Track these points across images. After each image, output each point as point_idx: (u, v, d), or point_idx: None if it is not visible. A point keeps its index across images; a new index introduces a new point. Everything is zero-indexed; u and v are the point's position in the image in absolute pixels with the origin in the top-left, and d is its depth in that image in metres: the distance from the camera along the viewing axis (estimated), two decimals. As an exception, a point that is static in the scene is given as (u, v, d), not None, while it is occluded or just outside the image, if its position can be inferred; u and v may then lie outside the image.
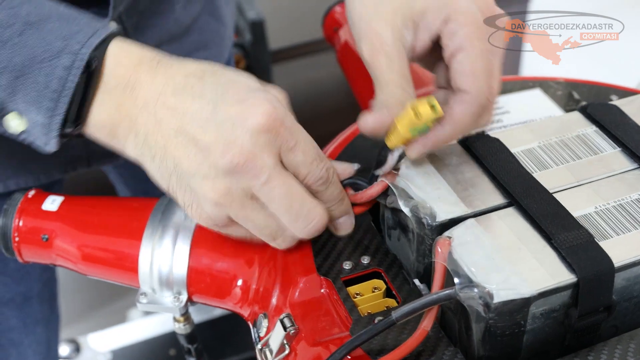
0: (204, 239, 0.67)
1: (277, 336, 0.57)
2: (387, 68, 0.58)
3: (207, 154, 0.55)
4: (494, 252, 0.52)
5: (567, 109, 0.74)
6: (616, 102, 0.68)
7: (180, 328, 0.74)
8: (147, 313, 1.55)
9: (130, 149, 0.59)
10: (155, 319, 1.51)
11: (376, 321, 0.54)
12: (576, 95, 0.76)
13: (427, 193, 0.58)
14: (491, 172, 0.60)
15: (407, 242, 0.60)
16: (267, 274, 0.63)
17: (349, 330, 0.55)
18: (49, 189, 0.79)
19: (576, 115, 0.67)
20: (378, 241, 0.62)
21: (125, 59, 0.59)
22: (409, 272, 0.60)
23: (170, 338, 1.49)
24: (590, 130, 0.65)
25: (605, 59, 2.78)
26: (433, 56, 0.62)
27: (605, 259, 0.52)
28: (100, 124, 0.59)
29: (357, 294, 0.58)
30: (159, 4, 0.86)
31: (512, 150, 0.62)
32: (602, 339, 0.54)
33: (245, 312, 0.65)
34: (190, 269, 0.66)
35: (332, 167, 0.59)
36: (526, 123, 0.70)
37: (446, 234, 0.54)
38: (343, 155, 0.71)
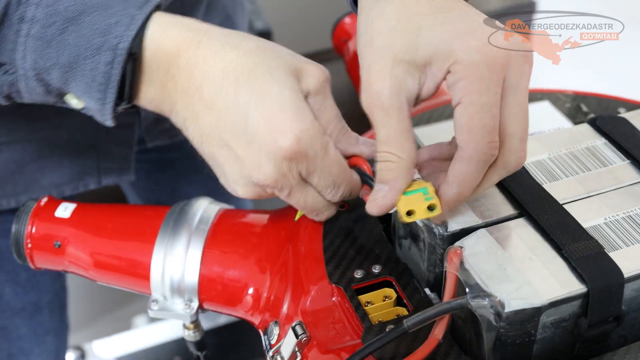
0: (216, 247, 0.67)
1: (288, 344, 0.58)
2: (383, 123, 0.56)
3: (239, 165, 0.59)
4: (505, 262, 0.53)
5: (576, 121, 0.75)
6: (624, 114, 0.69)
7: (190, 335, 0.74)
8: (153, 320, 1.55)
9: (174, 121, 0.63)
10: (161, 326, 1.51)
11: (387, 329, 0.55)
12: (584, 108, 0.77)
13: (439, 203, 0.59)
14: (502, 183, 0.60)
15: (418, 251, 0.61)
16: (279, 282, 0.64)
17: (361, 338, 0.55)
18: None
19: (585, 128, 0.68)
20: (389, 250, 0.62)
21: (165, 42, 0.60)
22: (420, 281, 0.61)
23: (175, 345, 1.49)
24: (600, 143, 0.66)
25: (613, 71, 2.79)
26: None
27: (615, 269, 0.52)
28: (148, 100, 0.62)
29: (368, 303, 0.59)
30: None
31: (523, 162, 0.63)
32: (610, 348, 0.55)
33: (256, 320, 0.66)
34: (202, 277, 0.67)
35: (347, 188, 0.61)
36: (535, 135, 0.70)
37: (458, 243, 0.55)
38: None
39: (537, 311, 0.50)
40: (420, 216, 0.56)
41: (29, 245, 0.71)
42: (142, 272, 0.68)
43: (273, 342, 0.61)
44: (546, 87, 0.83)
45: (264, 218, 0.71)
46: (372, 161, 0.60)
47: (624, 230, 0.56)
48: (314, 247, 0.63)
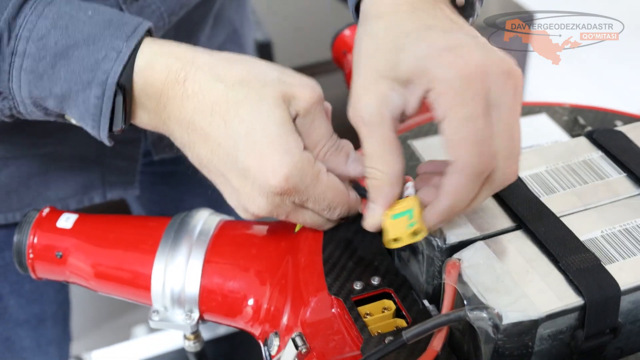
0: (216, 259, 0.68)
1: (288, 355, 0.58)
2: (367, 138, 0.57)
3: (235, 194, 0.61)
4: (503, 275, 0.54)
5: (573, 134, 0.76)
6: (621, 128, 0.70)
7: (191, 346, 0.75)
8: (153, 330, 1.56)
9: (173, 141, 0.64)
10: (161, 336, 1.51)
11: (386, 341, 0.55)
12: (581, 121, 0.78)
13: (437, 215, 0.59)
14: (500, 195, 0.61)
15: (417, 263, 0.61)
16: (279, 293, 0.65)
17: (360, 349, 0.56)
18: None
19: (582, 141, 0.69)
20: (388, 262, 0.63)
21: (153, 76, 0.61)
22: (419, 293, 0.61)
23: (175, 355, 1.49)
24: (596, 156, 0.66)
25: (611, 85, 2.80)
26: None
27: (612, 282, 0.53)
28: (145, 124, 0.64)
29: (367, 314, 0.59)
30: (183, 38, 0.87)
31: (520, 174, 0.63)
32: (607, 360, 0.55)
33: (256, 331, 0.66)
34: (203, 288, 0.67)
35: (344, 208, 0.63)
36: (533, 148, 0.71)
37: (456, 256, 0.56)
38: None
39: (535, 323, 0.51)
40: (405, 242, 0.58)
41: (31, 256, 0.72)
42: (143, 283, 0.69)
43: (273, 353, 0.61)
44: (543, 99, 0.84)
45: (264, 229, 0.71)
46: None
47: (621, 242, 0.57)
48: (314, 258, 0.63)
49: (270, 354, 0.62)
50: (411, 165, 0.69)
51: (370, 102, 0.56)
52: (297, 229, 0.68)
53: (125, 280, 0.70)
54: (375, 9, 0.59)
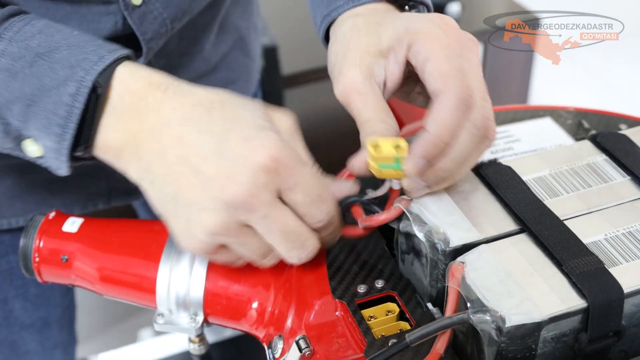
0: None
1: (292, 357, 0.58)
2: (362, 105, 0.60)
3: (208, 187, 0.55)
4: (506, 278, 0.54)
5: (577, 137, 0.76)
6: (625, 131, 0.70)
7: (195, 349, 0.75)
8: (159, 333, 1.56)
9: (133, 172, 0.60)
10: (167, 339, 1.51)
11: (390, 344, 0.55)
12: (586, 124, 0.78)
13: (441, 219, 0.60)
14: (503, 199, 0.61)
15: (420, 266, 0.61)
16: (283, 296, 0.65)
17: (363, 352, 0.56)
18: None
19: (586, 144, 0.69)
20: (392, 265, 0.63)
21: (133, 83, 0.60)
22: (422, 296, 0.61)
23: (181, 358, 1.49)
24: (600, 159, 0.66)
25: (617, 87, 2.79)
26: (410, 87, 0.64)
27: (615, 285, 0.53)
28: (107, 146, 0.60)
29: (371, 317, 0.59)
30: (187, 45, 0.88)
31: (524, 178, 0.63)
32: (611, 363, 0.55)
33: (260, 334, 0.67)
34: (207, 291, 0.67)
35: (333, 210, 0.59)
36: (537, 151, 0.71)
37: (459, 259, 0.56)
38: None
39: (538, 326, 0.51)
40: (387, 149, 0.57)
41: (37, 260, 0.72)
42: (148, 286, 0.69)
43: (277, 355, 0.62)
44: (549, 102, 0.84)
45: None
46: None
47: (624, 246, 0.57)
48: (318, 261, 0.63)
49: (274, 357, 0.62)
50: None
51: (358, 72, 0.61)
52: None
53: (131, 284, 0.70)
54: (349, 13, 0.67)
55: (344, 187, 0.62)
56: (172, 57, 0.86)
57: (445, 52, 0.58)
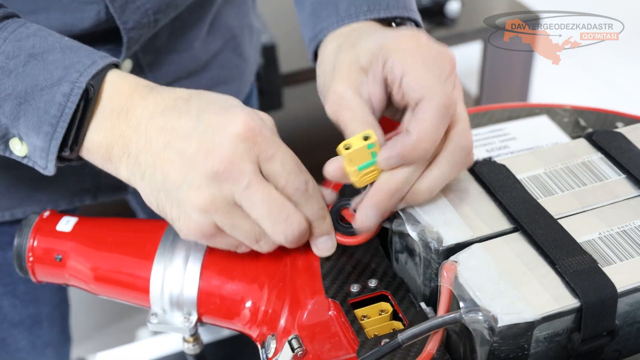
0: (214, 261, 0.68)
1: (285, 357, 0.58)
2: (351, 119, 0.60)
3: (192, 164, 0.58)
4: (499, 277, 0.53)
5: (574, 135, 0.75)
6: (621, 129, 0.70)
7: (190, 348, 0.75)
8: (156, 332, 1.56)
9: (123, 170, 0.62)
10: (165, 338, 1.51)
11: (382, 343, 0.55)
12: (582, 122, 0.78)
13: (434, 218, 0.59)
14: (497, 197, 0.61)
15: (414, 265, 0.61)
16: (276, 296, 0.64)
17: (356, 352, 0.56)
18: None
19: (582, 142, 0.68)
20: (385, 265, 0.63)
21: (122, 86, 0.62)
22: (416, 295, 0.61)
23: (179, 358, 1.49)
24: (596, 157, 0.66)
25: (617, 85, 2.79)
26: (395, 106, 0.64)
27: (609, 284, 0.53)
28: (96, 147, 0.62)
29: (364, 317, 0.59)
30: (176, 41, 0.88)
31: (518, 177, 0.63)
32: (605, 363, 0.55)
33: (253, 333, 0.66)
34: (201, 291, 0.67)
35: (313, 181, 0.61)
36: (532, 149, 0.71)
37: (452, 258, 0.55)
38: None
39: (530, 326, 0.51)
40: (357, 142, 0.57)
41: (31, 259, 0.72)
42: (141, 286, 0.69)
43: (270, 355, 0.61)
44: (547, 101, 0.83)
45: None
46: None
47: (619, 245, 0.57)
48: (311, 261, 0.63)
49: (267, 356, 0.62)
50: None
51: (346, 87, 0.61)
52: None
53: (124, 283, 0.70)
54: (333, 34, 0.69)
55: (325, 195, 0.63)
56: (160, 53, 0.86)
57: (421, 63, 0.58)
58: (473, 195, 0.62)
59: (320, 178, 0.63)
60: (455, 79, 0.60)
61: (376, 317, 0.59)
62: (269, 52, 1.85)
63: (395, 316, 0.60)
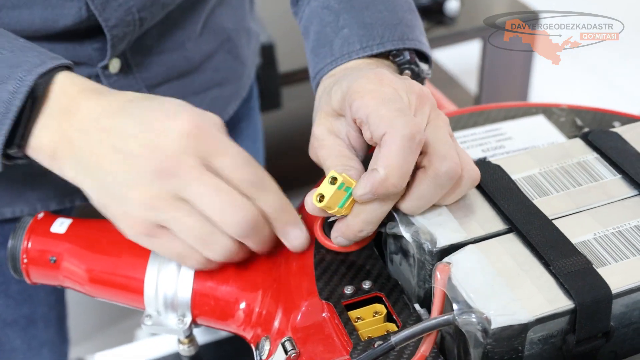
0: (209, 262, 0.67)
1: (278, 359, 0.58)
2: (327, 156, 0.61)
3: (135, 163, 0.58)
4: (493, 278, 0.53)
5: (570, 135, 0.75)
6: (617, 129, 0.69)
7: (185, 350, 0.75)
8: (154, 333, 1.56)
9: (68, 170, 0.62)
10: (163, 339, 1.51)
11: (376, 345, 0.55)
12: (579, 122, 0.77)
13: (428, 219, 0.59)
14: (492, 198, 0.61)
15: (408, 267, 0.61)
16: (270, 297, 0.64)
17: (349, 354, 0.55)
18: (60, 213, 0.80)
19: (577, 142, 0.68)
20: (380, 266, 0.62)
21: (69, 87, 0.62)
22: (410, 297, 0.61)
23: (179, 358, 1.49)
24: (591, 157, 0.66)
25: (617, 85, 2.78)
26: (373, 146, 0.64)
27: (603, 285, 0.52)
28: (41, 146, 0.62)
29: (358, 318, 0.59)
30: (166, 41, 0.87)
31: (513, 177, 0.63)
32: (600, 365, 0.55)
33: (248, 335, 0.66)
34: (195, 292, 0.67)
35: (266, 174, 0.61)
36: (528, 149, 0.70)
37: (446, 259, 0.55)
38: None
39: (524, 327, 0.50)
40: (328, 192, 0.57)
41: (25, 261, 0.72)
42: (136, 288, 0.69)
43: (264, 357, 0.61)
44: (546, 100, 0.83)
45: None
46: None
47: (614, 245, 0.56)
48: (305, 263, 0.63)
49: (261, 358, 0.61)
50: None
51: (322, 129, 0.62)
52: None
53: (119, 285, 0.70)
54: (328, 74, 0.70)
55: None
56: (150, 53, 0.85)
57: (382, 101, 0.57)
58: (467, 196, 0.61)
59: (317, 175, 0.63)
60: (432, 110, 0.60)
61: (370, 319, 0.59)
62: (268, 52, 1.84)
63: (389, 318, 0.59)
